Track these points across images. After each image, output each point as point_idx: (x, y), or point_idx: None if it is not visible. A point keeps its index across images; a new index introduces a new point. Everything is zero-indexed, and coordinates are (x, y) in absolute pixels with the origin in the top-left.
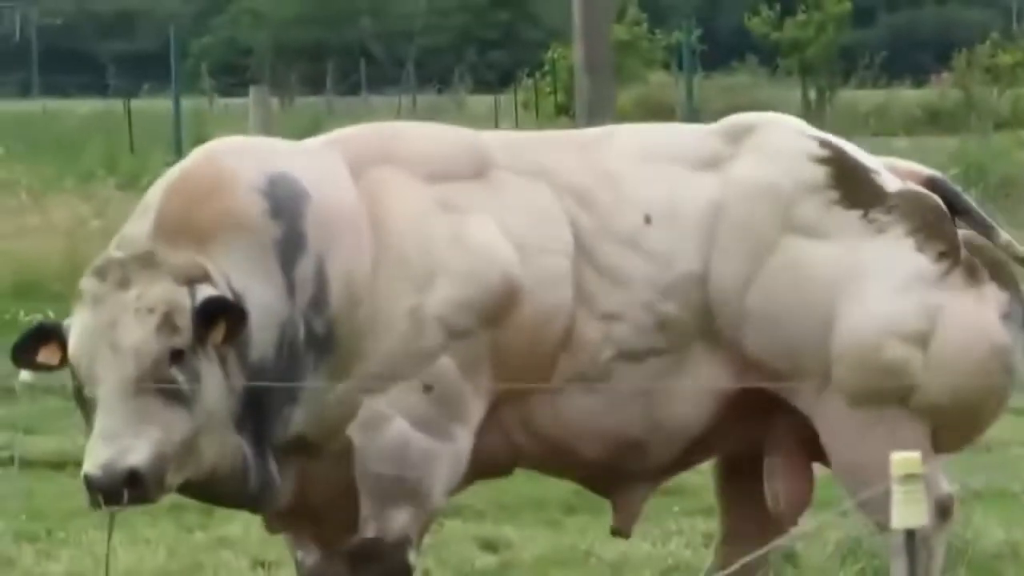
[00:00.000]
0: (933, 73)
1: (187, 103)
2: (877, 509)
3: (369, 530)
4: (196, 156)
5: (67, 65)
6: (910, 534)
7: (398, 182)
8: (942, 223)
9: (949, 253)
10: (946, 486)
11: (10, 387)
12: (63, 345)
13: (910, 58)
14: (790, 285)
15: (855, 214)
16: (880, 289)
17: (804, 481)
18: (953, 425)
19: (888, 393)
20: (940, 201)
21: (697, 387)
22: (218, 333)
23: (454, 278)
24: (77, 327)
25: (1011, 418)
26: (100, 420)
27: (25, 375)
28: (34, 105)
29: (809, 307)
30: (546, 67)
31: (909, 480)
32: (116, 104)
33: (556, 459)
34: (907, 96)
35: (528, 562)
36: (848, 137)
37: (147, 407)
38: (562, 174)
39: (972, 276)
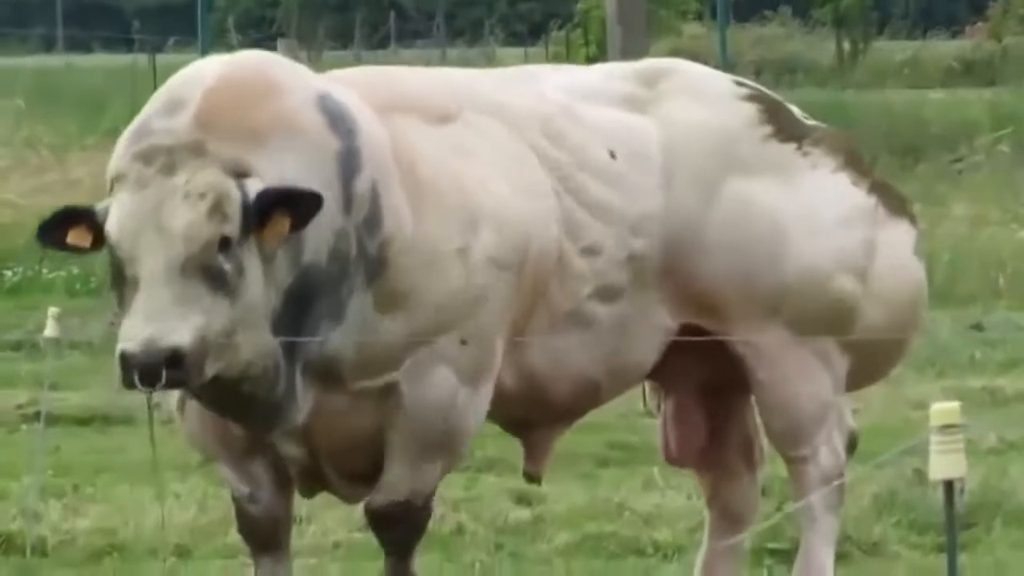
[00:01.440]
0: (968, 24)
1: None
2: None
3: (401, 492)
4: (234, 63)
5: (91, 19)
6: (948, 484)
7: (414, 127)
8: (861, 158)
9: (874, 188)
10: (852, 420)
11: (35, 343)
12: (93, 228)
13: (945, 8)
14: (743, 219)
15: (790, 147)
16: (828, 223)
17: (697, 427)
18: (872, 362)
19: (831, 327)
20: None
21: (651, 328)
22: (282, 224)
23: (491, 220)
24: (119, 208)
25: None
26: (142, 299)
27: (51, 330)
28: (57, 60)
29: (762, 239)
30: (577, 19)
31: (947, 430)
32: (141, 59)
33: (523, 402)
34: (942, 47)
35: (562, 515)
36: (882, 89)
37: (191, 291)
38: (522, 112)
39: (893, 211)
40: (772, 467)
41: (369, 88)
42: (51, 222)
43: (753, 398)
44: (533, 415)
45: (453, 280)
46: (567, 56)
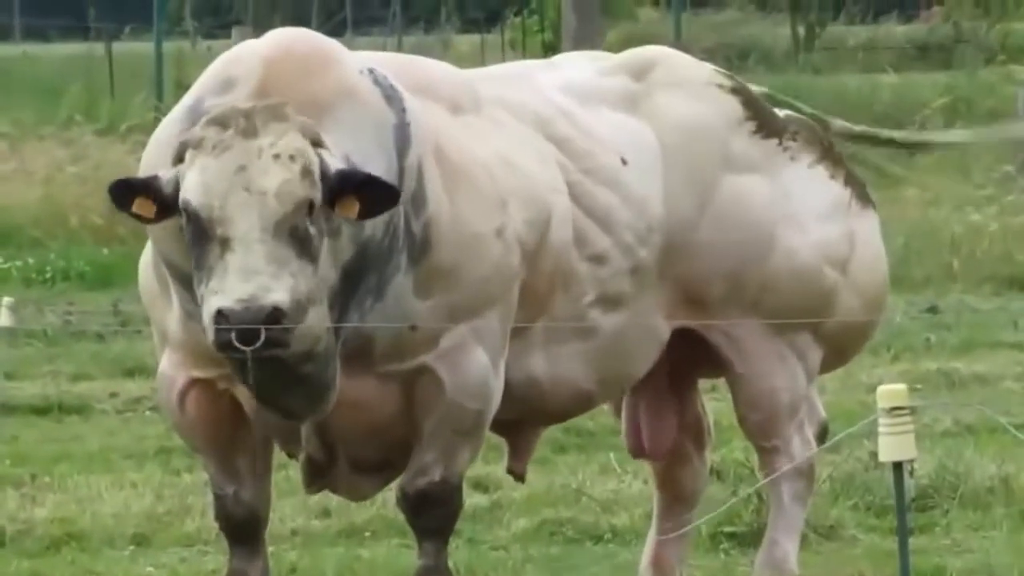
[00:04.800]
0: (923, 8)
1: (169, 45)
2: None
3: (435, 473)
4: (286, 37)
5: (48, 8)
6: (897, 466)
7: (437, 112)
8: (833, 148)
9: (848, 179)
10: (822, 410)
11: None
12: (157, 201)
13: None
14: (733, 218)
15: (772, 143)
16: (812, 217)
17: (670, 422)
18: (842, 348)
19: (810, 318)
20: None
21: (640, 334)
22: (351, 208)
23: (518, 200)
24: (201, 172)
25: (1003, 352)
26: (238, 258)
27: (5, 319)
28: (15, 50)
29: (752, 237)
30: (533, 5)
31: (895, 412)
32: (97, 47)
33: (518, 405)
34: (896, 31)
35: (519, 501)
36: (837, 73)
37: (283, 253)
38: (526, 114)
39: (863, 200)
40: (727, 450)
41: (392, 71)
42: (122, 187)
43: (730, 388)
44: (526, 417)
45: (493, 260)
46: (523, 43)
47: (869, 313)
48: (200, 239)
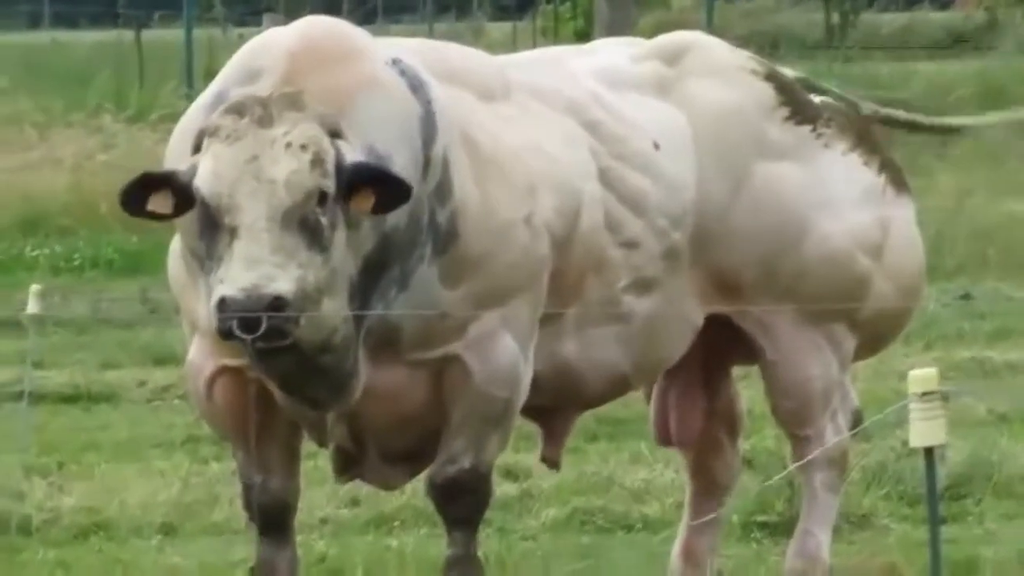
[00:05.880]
0: None
1: (199, 33)
2: None
3: (464, 461)
4: (312, 27)
5: None
6: (928, 451)
7: (466, 100)
8: (869, 134)
9: (884, 165)
10: (856, 399)
11: (19, 321)
12: (176, 191)
13: None
14: (767, 205)
15: (806, 129)
16: (845, 203)
17: (698, 410)
18: (877, 336)
19: (848, 304)
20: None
21: (674, 317)
22: (366, 202)
23: (547, 187)
24: (214, 160)
25: None
26: (243, 247)
27: (33, 307)
28: (43, 37)
29: (785, 223)
30: None
31: (926, 397)
32: (127, 35)
33: (553, 392)
34: (931, 19)
35: (549, 490)
36: (871, 61)
37: (291, 242)
38: (558, 99)
39: (899, 186)
40: (759, 439)
41: (422, 58)
42: (131, 189)
43: (763, 376)
44: (560, 403)
45: (521, 247)
46: (555, 30)
47: (904, 300)
48: (211, 228)
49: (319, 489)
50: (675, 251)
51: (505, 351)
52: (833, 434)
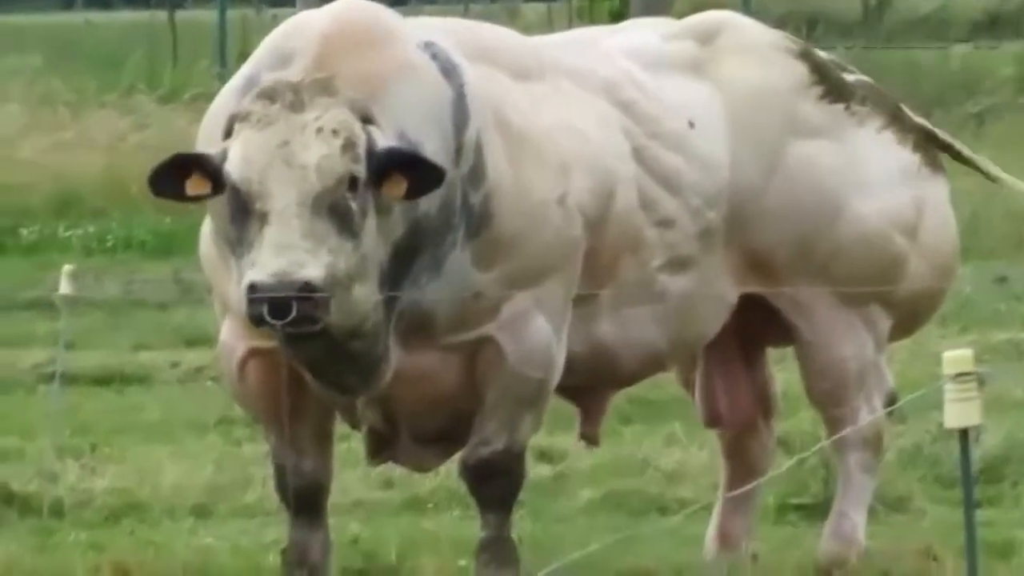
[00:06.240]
0: None
1: (233, 13)
2: None
3: (497, 442)
4: (345, 10)
5: None
6: (963, 433)
7: (500, 79)
8: (902, 113)
9: (918, 145)
10: (891, 380)
11: (52, 302)
12: (210, 173)
13: None
14: (801, 184)
15: (840, 108)
16: (880, 182)
17: (745, 391)
18: (911, 316)
19: (880, 285)
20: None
21: (709, 295)
22: (398, 187)
23: (581, 168)
24: (244, 145)
25: None
26: (274, 233)
27: (65, 288)
28: (77, 17)
29: (819, 202)
30: None
31: (961, 378)
32: (160, 15)
33: (589, 371)
34: (969, 0)
35: (584, 472)
36: (907, 42)
37: (322, 228)
38: (592, 79)
39: (933, 165)
40: (795, 421)
41: (456, 38)
42: (162, 172)
43: (797, 357)
44: (595, 383)
45: (555, 228)
46: (590, 11)
47: (939, 280)
48: (241, 213)
49: (352, 471)
50: (710, 230)
51: (539, 332)
52: (868, 415)
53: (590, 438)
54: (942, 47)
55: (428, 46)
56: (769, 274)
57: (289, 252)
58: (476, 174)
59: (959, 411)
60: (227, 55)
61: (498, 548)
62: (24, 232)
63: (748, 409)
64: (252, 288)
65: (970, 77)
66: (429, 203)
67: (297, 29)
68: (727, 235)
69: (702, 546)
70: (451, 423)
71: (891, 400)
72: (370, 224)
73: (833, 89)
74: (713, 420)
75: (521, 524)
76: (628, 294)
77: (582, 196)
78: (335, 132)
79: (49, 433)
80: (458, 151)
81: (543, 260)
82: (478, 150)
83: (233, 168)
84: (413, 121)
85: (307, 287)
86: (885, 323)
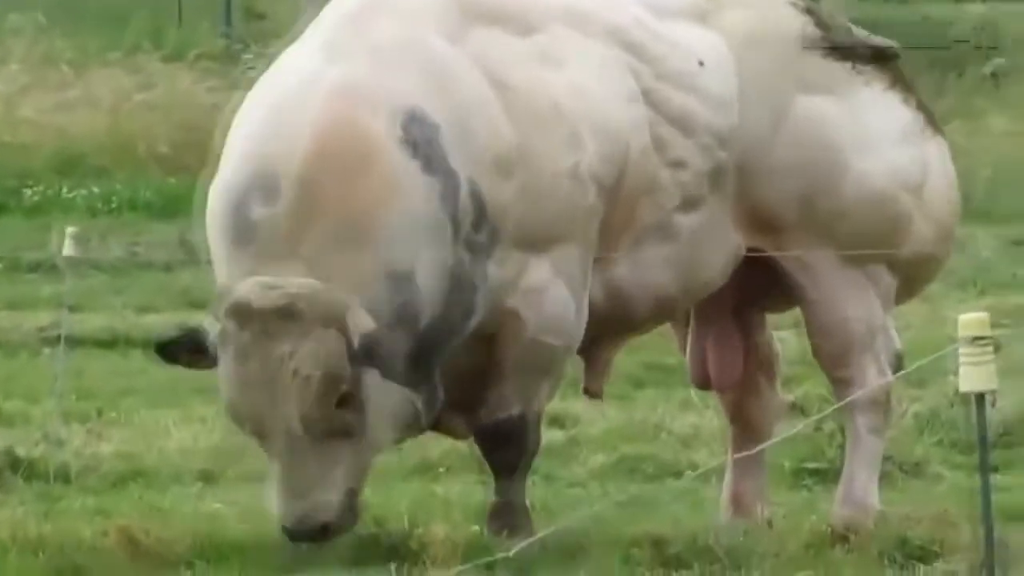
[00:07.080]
0: None
1: None
2: None
3: (512, 407)
4: (326, 132)
5: None
6: (979, 397)
7: (500, 40)
8: (903, 74)
9: (919, 105)
10: (898, 341)
11: (55, 263)
12: (202, 351)
13: None
14: (807, 140)
15: (846, 66)
16: (885, 141)
17: (736, 353)
18: (914, 277)
19: (885, 245)
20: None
21: (724, 244)
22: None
23: (593, 130)
24: (228, 384)
25: None
26: (283, 473)
27: (69, 249)
28: None
29: (824, 160)
30: None
31: (976, 342)
32: None
33: (603, 318)
34: None
35: (597, 437)
36: (919, 1)
37: (325, 449)
38: (600, 23)
39: (934, 126)
40: (811, 385)
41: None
42: (174, 346)
43: (804, 319)
44: (609, 329)
45: (567, 198)
46: None
47: (941, 240)
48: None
49: None
50: (721, 169)
51: (558, 300)
52: (876, 376)
53: (594, 392)
54: (957, 5)
55: (407, 130)
56: (775, 232)
57: (305, 496)
58: (479, 219)
59: (974, 375)
60: (232, 13)
61: (510, 513)
62: (27, 193)
63: (741, 371)
64: (285, 531)
65: (983, 34)
66: (433, 311)
67: (281, 152)
68: (735, 191)
69: (716, 511)
70: (475, 388)
71: (898, 361)
72: (376, 387)
73: (840, 46)
74: (701, 380)
75: (533, 489)
76: (643, 236)
77: (595, 163)
78: (308, 377)
79: (54, 397)
80: (456, 228)
81: (556, 230)
82: (475, 198)
83: (228, 405)
84: (404, 249)
85: (326, 527)
86: (890, 282)
